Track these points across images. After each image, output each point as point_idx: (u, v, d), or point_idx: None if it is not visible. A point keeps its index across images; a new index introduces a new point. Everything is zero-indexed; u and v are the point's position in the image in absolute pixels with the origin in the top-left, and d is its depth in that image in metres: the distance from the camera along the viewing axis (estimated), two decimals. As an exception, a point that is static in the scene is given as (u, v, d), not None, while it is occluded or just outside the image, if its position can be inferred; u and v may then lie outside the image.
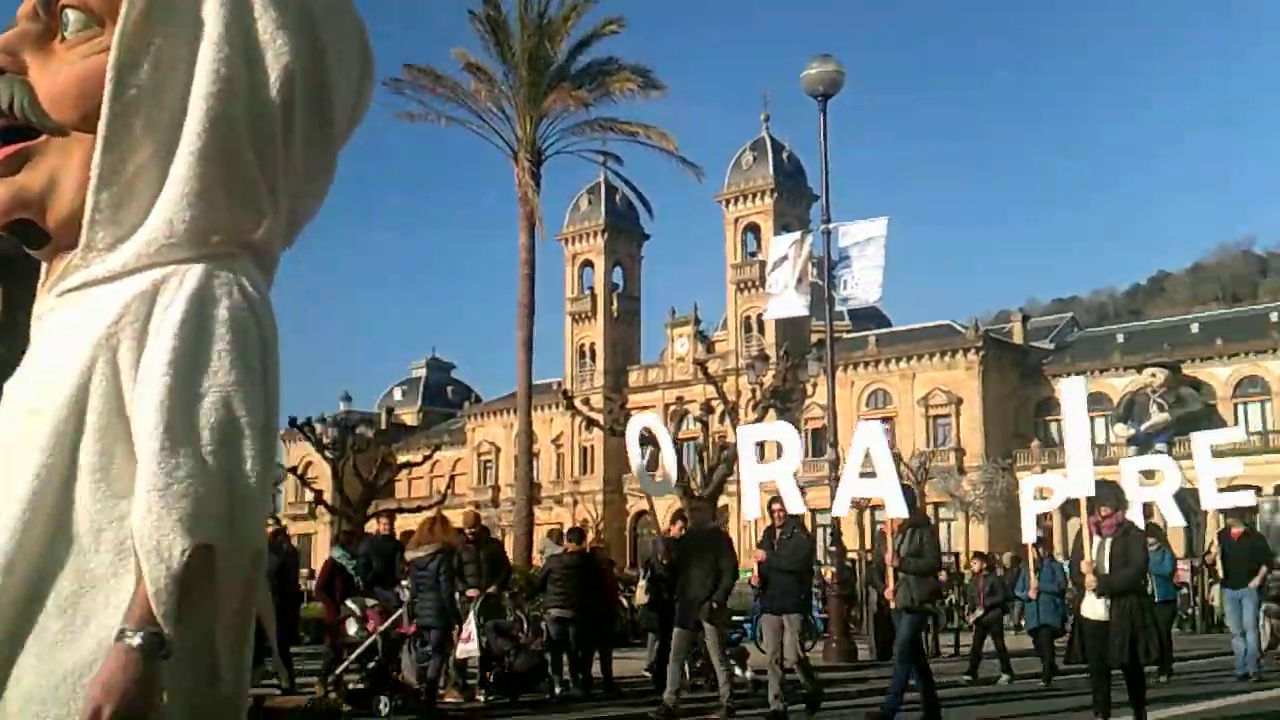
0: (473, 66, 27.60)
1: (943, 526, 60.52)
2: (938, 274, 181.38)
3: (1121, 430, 52.41)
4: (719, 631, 11.62)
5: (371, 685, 11.84)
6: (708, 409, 33.96)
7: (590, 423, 45.22)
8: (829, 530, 19.66)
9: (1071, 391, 11.25)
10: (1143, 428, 51.54)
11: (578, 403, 51.84)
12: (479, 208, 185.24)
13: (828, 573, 24.39)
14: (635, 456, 12.94)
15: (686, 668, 14.39)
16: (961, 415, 66.41)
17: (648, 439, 13.51)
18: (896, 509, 10.81)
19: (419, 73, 28.06)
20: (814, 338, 62.44)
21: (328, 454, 38.68)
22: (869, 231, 18.54)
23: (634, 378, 78.96)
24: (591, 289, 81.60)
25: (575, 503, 75.86)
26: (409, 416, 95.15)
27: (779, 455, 13.00)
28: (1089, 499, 10.11)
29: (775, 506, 11.68)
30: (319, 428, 39.05)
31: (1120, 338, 70.28)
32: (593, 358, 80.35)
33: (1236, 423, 57.58)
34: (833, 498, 21.71)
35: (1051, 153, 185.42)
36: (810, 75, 19.52)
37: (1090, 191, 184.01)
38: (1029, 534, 14.93)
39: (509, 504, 59.84)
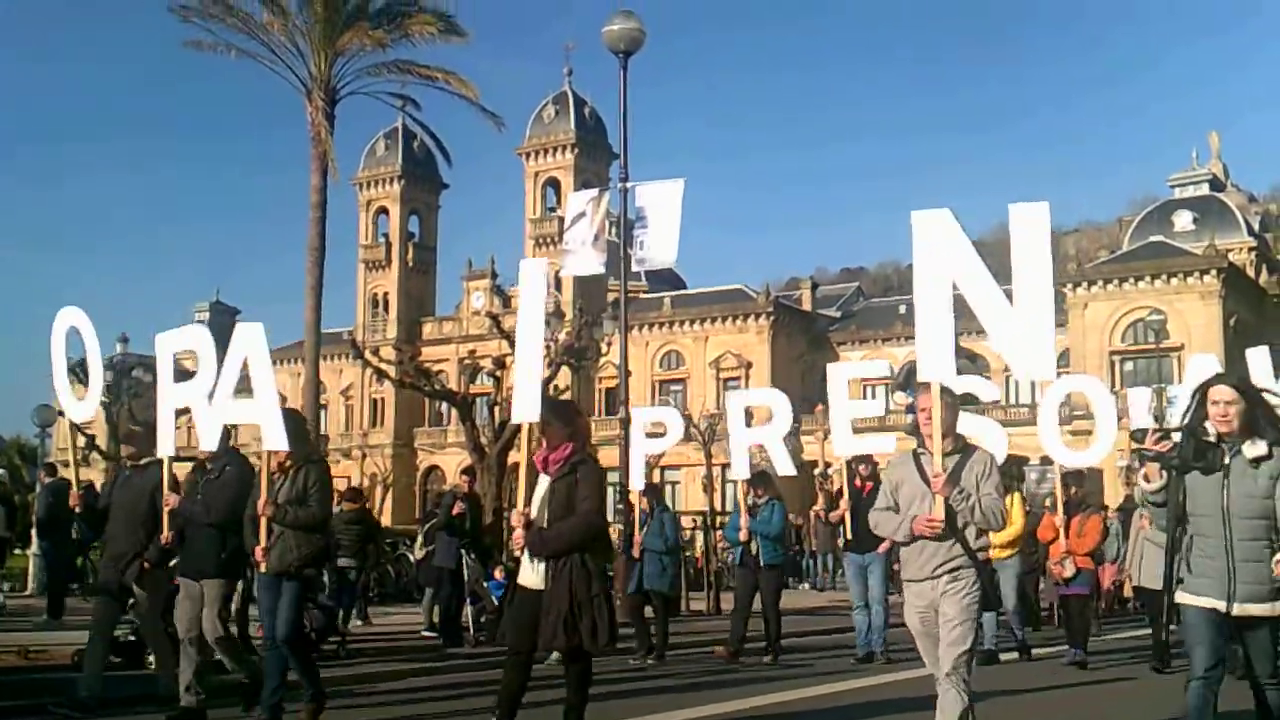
0: (265, -2, 26.65)
1: (730, 487, 61.84)
2: (733, 237, 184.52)
3: (900, 398, 54.59)
4: (153, 599, 8.92)
5: (141, 637, 11.46)
6: (500, 364, 33.73)
7: (381, 375, 44.44)
8: (617, 487, 19.82)
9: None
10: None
11: (368, 354, 50.88)
12: (270, 147, 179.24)
13: (615, 531, 24.62)
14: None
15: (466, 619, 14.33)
16: (751, 378, 67.87)
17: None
18: (274, 440, 8.23)
19: (208, 1, 26.93)
20: (610, 297, 62.81)
21: (102, 398, 37.12)
22: (665, 192, 18.56)
23: (428, 330, 77.96)
24: (386, 237, 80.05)
25: (364, 456, 74.65)
26: (190, 361, 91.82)
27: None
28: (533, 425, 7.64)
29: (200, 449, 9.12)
30: (92, 370, 37.40)
31: (902, 309, 72.80)
32: (386, 308, 78.93)
33: (1007, 394, 60.55)
34: (626, 459, 22.06)
35: (842, 131, 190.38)
36: (611, 32, 19.44)
37: (876, 165, 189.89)
38: (636, 480, 13.57)
39: (293, 454, 58.33)
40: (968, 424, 10.62)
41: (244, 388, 8.49)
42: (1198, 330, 56.56)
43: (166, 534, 8.65)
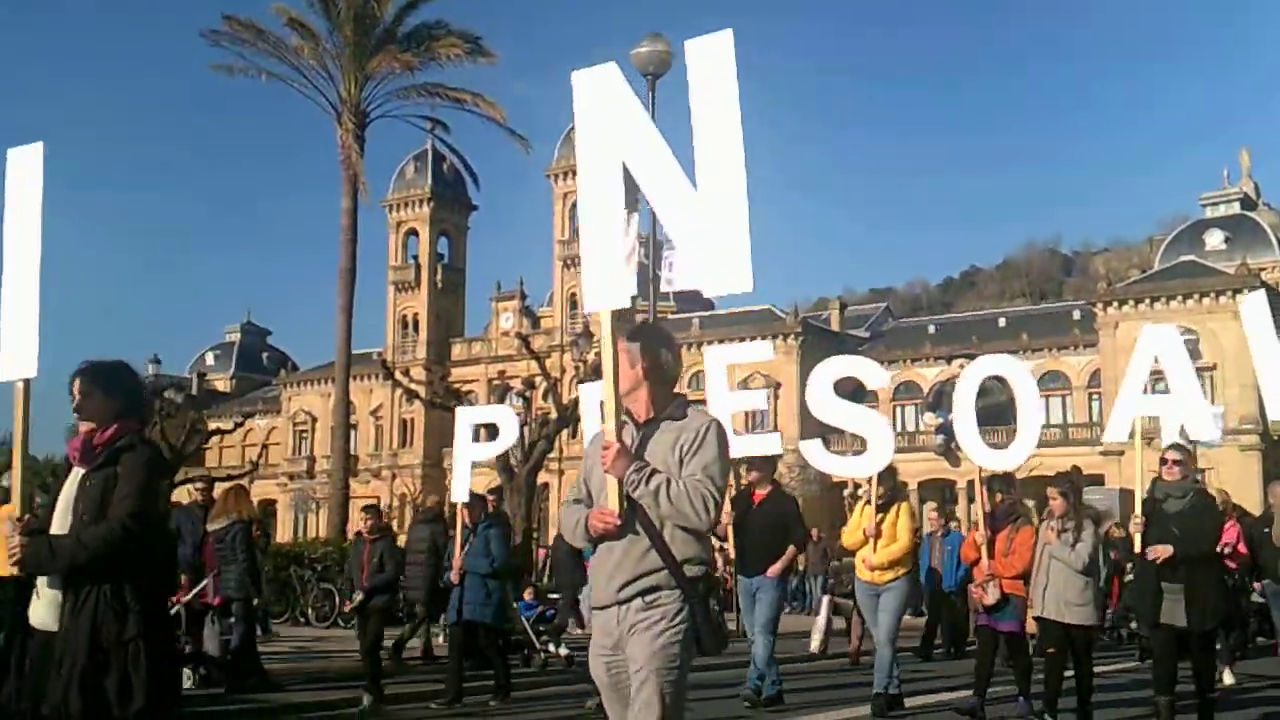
0: (295, 22, 26.88)
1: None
2: (762, 257, 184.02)
3: (930, 419, 54.31)
4: None
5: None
6: (529, 384, 33.77)
7: (411, 395, 44.63)
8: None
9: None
10: (950, 417, 53.60)
11: (398, 374, 51.14)
12: (300, 169, 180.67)
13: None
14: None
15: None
16: (779, 399, 67.74)
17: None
18: None
19: (239, 25, 27.18)
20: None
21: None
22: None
23: (457, 351, 78.20)
24: (416, 258, 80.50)
25: (394, 476, 74.80)
26: (221, 382, 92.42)
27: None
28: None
29: None
30: (124, 391, 37.64)
31: (932, 329, 72.66)
32: (415, 329, 79.29)
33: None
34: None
35: (871, 151, 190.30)
36: (640, 54, 19.50)
37: (906, 187, 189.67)
38: (459, 491, 10.84)
39: (325, 476, 58.62)
40: (852, 417, 9.27)
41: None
42: (1230, 350, 56.03)
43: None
